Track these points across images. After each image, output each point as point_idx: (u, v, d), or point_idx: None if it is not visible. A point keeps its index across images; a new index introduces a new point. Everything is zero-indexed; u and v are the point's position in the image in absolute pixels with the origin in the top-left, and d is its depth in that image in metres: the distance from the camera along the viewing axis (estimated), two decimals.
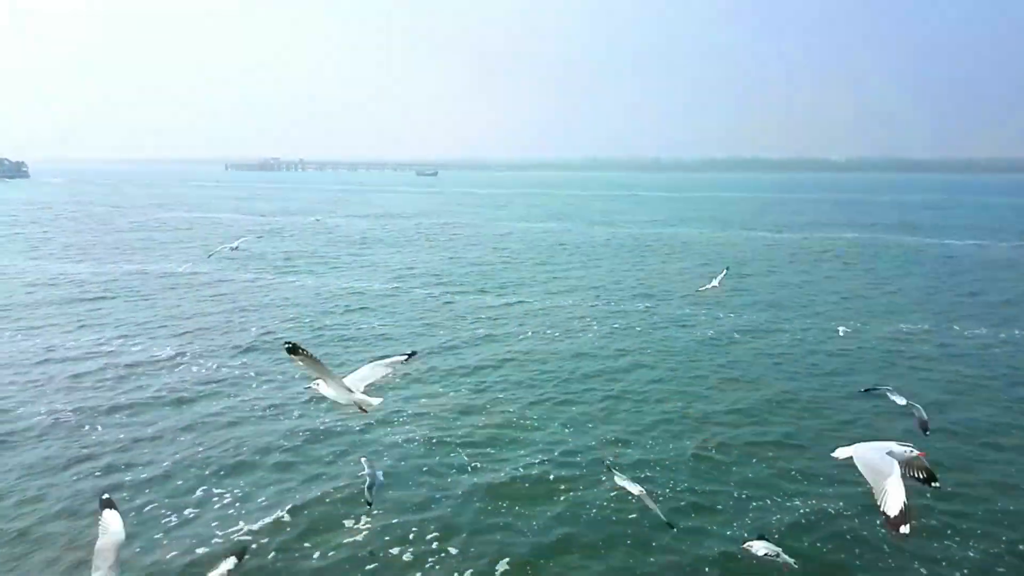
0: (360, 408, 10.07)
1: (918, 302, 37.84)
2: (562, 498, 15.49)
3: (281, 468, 17.05)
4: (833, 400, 22.06)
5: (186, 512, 14.65)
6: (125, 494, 15.62)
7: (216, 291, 38.96)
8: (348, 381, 9.91)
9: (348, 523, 14.32)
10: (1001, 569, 13.01)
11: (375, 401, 10.01)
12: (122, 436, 18.69)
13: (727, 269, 27.66)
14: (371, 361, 10.80)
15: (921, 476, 9.12)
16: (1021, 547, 13.65)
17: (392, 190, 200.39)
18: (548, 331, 30.81)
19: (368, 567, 12.91)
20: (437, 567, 12.94)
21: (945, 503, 15.07)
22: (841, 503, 15.09)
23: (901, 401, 14.49)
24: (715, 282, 24.99)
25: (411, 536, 13.84)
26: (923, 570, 12.99)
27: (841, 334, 28.86)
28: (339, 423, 19.92)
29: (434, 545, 13.35)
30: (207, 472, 16.67)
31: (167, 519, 14.33)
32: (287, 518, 14.45)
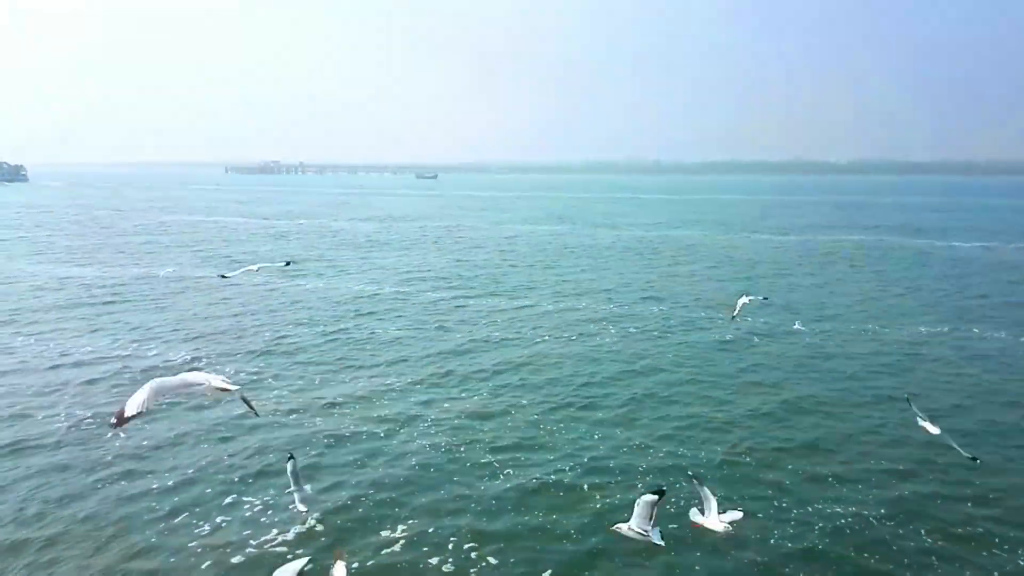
0: (220, 390, 11.33)
1: (931, 304, 37.70)
2: (596, 504, 15.27)
3: (307, 473, 16.74)
4: (856, 404, 21.87)
5: (218, 519, 14.40)
6: (151, 502, 15.41)
7: (225, 295, 38.71)
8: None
9: (383, 531, 14.07)
10: None
11: (233, 387, 11.48)
12: (144, 443, 18.43)
13: (765, 298, 27.82)
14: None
15: None
16: None
17: (392, 193, 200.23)
18: (563, 334, 30.60)
19: None
20: None
21: (986, 509, 14.87)
22: (882, 509, 14.88)
23: (934, 431, 14.00)
24: (745, 299, 24.60)
25: (448, 544, 13.61)
26: None
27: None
28: (359, 428, 19.69)
29: (472, 554, 13.11)
30: (234, 479, 16.42)
31: (199, 527, 14.08)
32: (319, 527, 14.22)
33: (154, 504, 15.24)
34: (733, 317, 26.00)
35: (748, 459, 17.56)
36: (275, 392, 22.55)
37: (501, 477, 16.73)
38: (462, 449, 18.25)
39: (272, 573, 8.61)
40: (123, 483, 16.41)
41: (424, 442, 18.73)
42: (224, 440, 18.75)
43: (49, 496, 15.80)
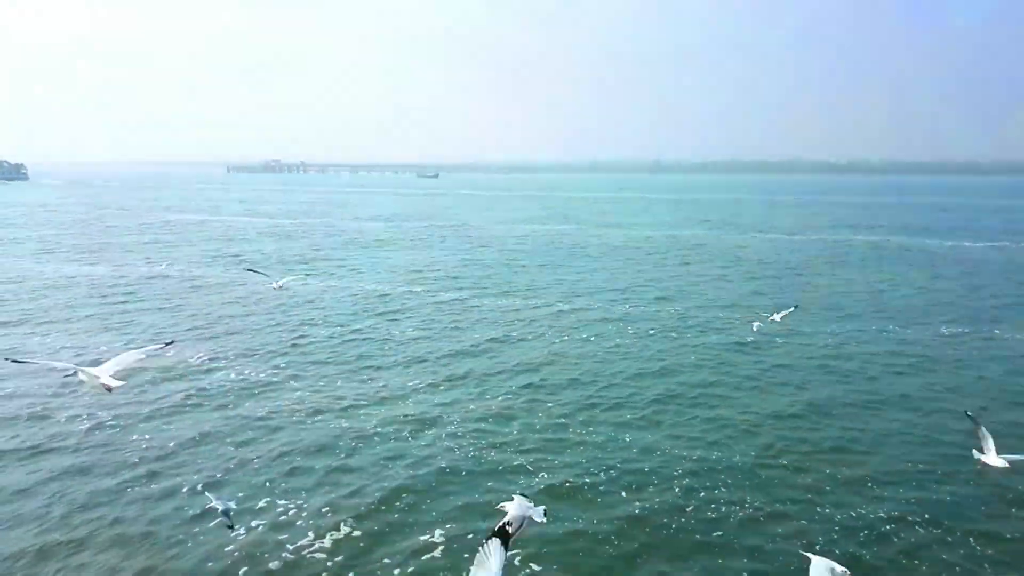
0: (105, 388, 11.97)
1: (948, 304, 37.44)
2: (633, 507, 15.02)
3: (336, 474, 16.58)
4: (883, 405, 21.63)
5: (250, 522, 14.15)
6: (178, 504, 15.18)
7: (239, 294, 38.50)
8: (101, 368, 12.10)
9: (419, 535, 13.83)
10: None
11: (116, 383, 12.01)
12: (171, 444, 18.21)
13: (795, 307, 27.51)
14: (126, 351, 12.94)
15: None
16: None
17: (395, 192, 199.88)
18: (580, 334, 30.36)
19: None
20: None
21: None
22: (925, 513, 14.63)
23: (998, 463, 13.17)
24: (777, 316, 24.34)
25: (479, 544, 13.30)
26: None
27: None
28: (384, 428, 19.46)
29: (516, 560, 12.83)
30: (262, 480, 16.19)
31: (235, 525, 13.81)
32: (356, 532, 13.94)
33: (183, 506, 15.01)
34: (759, 325, 25.95)
35: (782, 461, 17.31)
36: (297, 393, 22.30)
37: (533, 476, 16.50)
38: (490, 451, 18.01)
39: None
40: (149, 485, 16.17)
41: (450, 443, 18.49)
42: (248, 441, 18.50)
43: (74, 499, 15.57)
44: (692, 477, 16.41)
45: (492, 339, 29.47)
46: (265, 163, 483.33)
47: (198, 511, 14.68)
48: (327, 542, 13.31)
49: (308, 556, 12.92)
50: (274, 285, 22.09)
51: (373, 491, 15.68)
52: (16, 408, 20.72)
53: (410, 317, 33.68)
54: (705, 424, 20.04)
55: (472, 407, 21.26)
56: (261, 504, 14.87)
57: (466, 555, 13.08)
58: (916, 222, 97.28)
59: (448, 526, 14.12)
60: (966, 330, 30.97)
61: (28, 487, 16.09)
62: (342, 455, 17.66)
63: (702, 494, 15.37)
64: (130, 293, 38.13)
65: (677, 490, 15.52)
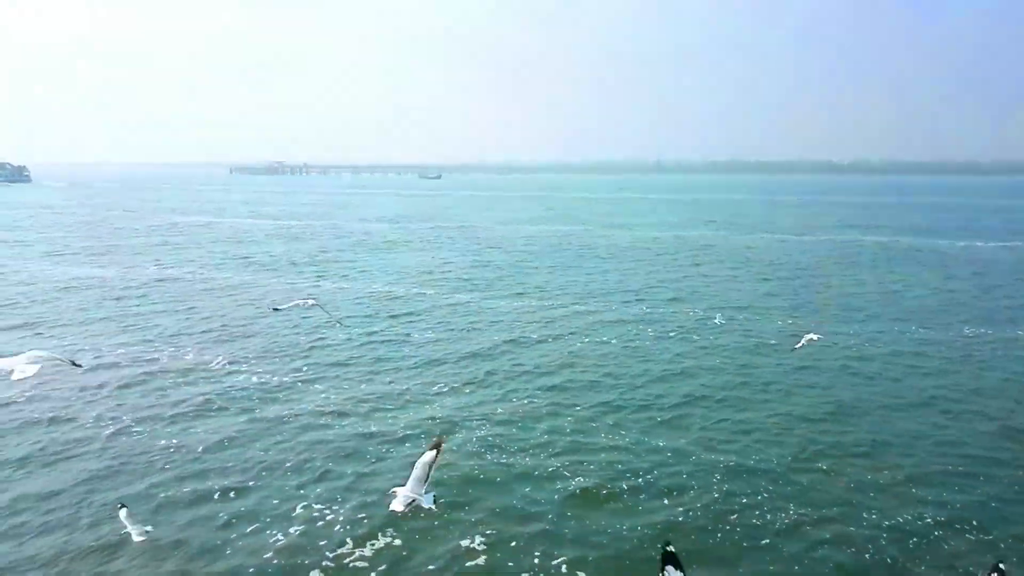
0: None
1: (965, 305, 37.24)
2: (675, 510, 14.81)
3: (368, 478, 16.35)
4: (911, 406, 21.45)
5: (288, 528, 13.93)
6: (210, 507, 15.00)
7: (252, 296, 38.34)
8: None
9: (454, 538, 13.63)
10: None
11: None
12: (198, 448, 18.01)
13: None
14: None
15: None
16: None
17: (397, 193, 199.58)
18: (599, 336, 30.15)
19: None
20: None
21: None
22: (968, 515, 14.41)
23: None
24: (813, 336, 23.87)
25: (520, 549, 13.18)
26: None
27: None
28: (410, 430, 19.28)
29: (553, 562, 12.65)
30: (290, 483, 16.00)
31: (269, 531, 13.67)
32: (389, 535, 13.74)
33: (215, 511, 14.81)
34: (794, 348, 25.46)
35: (819, 464, 17.09)
36: (320, 395, 22.11)
37: (565, 478, 16.30)
38: (521, 455, 17.79)
39: None
40: (177, 488, 15.97)
41: (479, 447, 18.28)
42: (275, 445, 18.29)
43: (104, 501, 15.37)
44: (730, 481, 16.19)
45: (510, 340, 29.27)
46: (268, 164, 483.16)
47: (231, 517, 14.50)
48: (367, 550, 13.08)
49: (349, 564, 12.70)
50: (301, 303, 21.43)
51: None
52: (39, 412, 20.50)
53: (425, 319, 33.49)
54: (735, 427, 19.83)
55: (498, 409, 21.05)
56: (298, 510, 14.64)
57: (509, 562, 12.91)
58: (921, 223, 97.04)
59: (488, 532, 13.90)
60: (986, 331, 30.76)
61: (55, 492, 15.88)
62: (372, 459, 17.45)
63: (743, 499, 15.15)
64: (143, 296, 37.95)
65: (716, 495, 15.31)
